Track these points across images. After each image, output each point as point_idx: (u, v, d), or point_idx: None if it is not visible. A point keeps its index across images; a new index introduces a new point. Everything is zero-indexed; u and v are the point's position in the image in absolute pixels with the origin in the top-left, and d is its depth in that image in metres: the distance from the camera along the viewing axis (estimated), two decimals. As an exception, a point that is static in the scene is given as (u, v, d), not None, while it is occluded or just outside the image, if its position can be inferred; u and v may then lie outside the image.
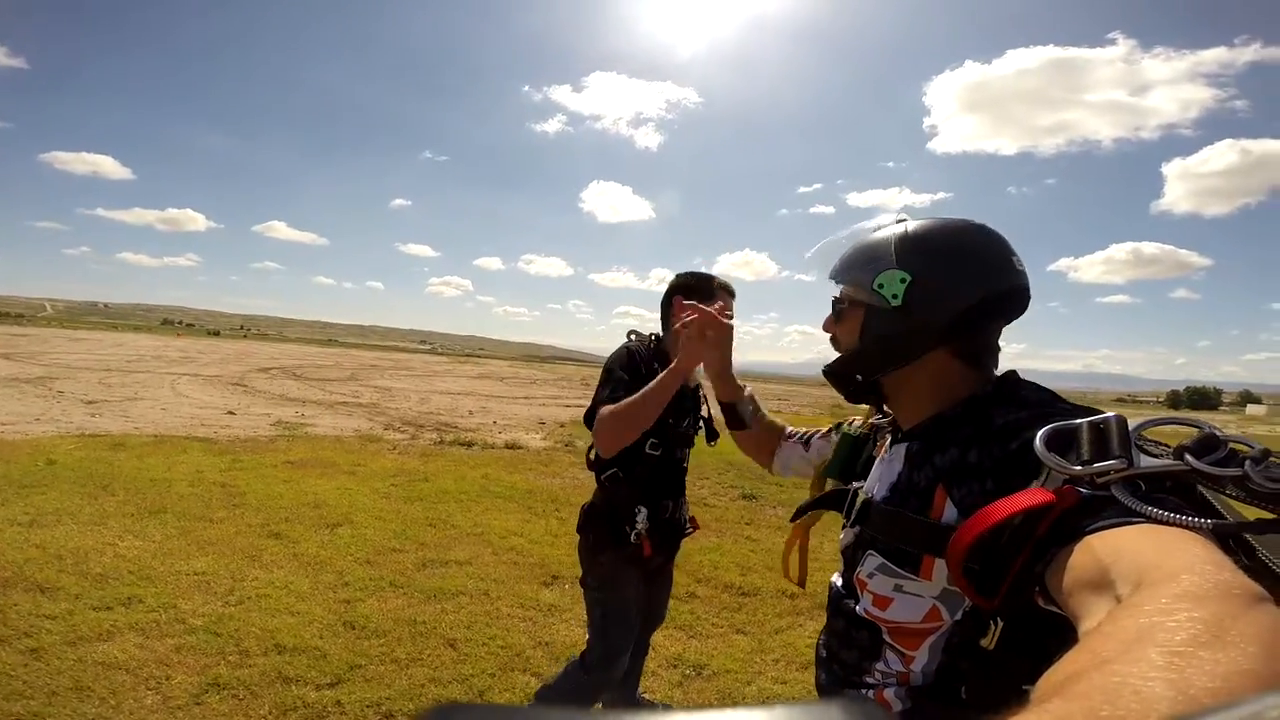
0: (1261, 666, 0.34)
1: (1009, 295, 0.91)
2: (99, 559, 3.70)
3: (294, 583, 3.58)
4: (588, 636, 2.10)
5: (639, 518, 1.98)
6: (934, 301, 0.89)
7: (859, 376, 0.99)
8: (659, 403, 1.85)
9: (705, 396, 2.20)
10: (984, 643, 0.78)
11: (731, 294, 2.02)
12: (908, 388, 0.96)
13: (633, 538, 1.98)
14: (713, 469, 7.50)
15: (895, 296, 0.90)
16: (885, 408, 1.06)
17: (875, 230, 0.98)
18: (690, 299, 1.91)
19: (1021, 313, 0.94)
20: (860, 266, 0.95)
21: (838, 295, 1.01)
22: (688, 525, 2.22)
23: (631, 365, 1.95)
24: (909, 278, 0.90)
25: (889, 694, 0.90)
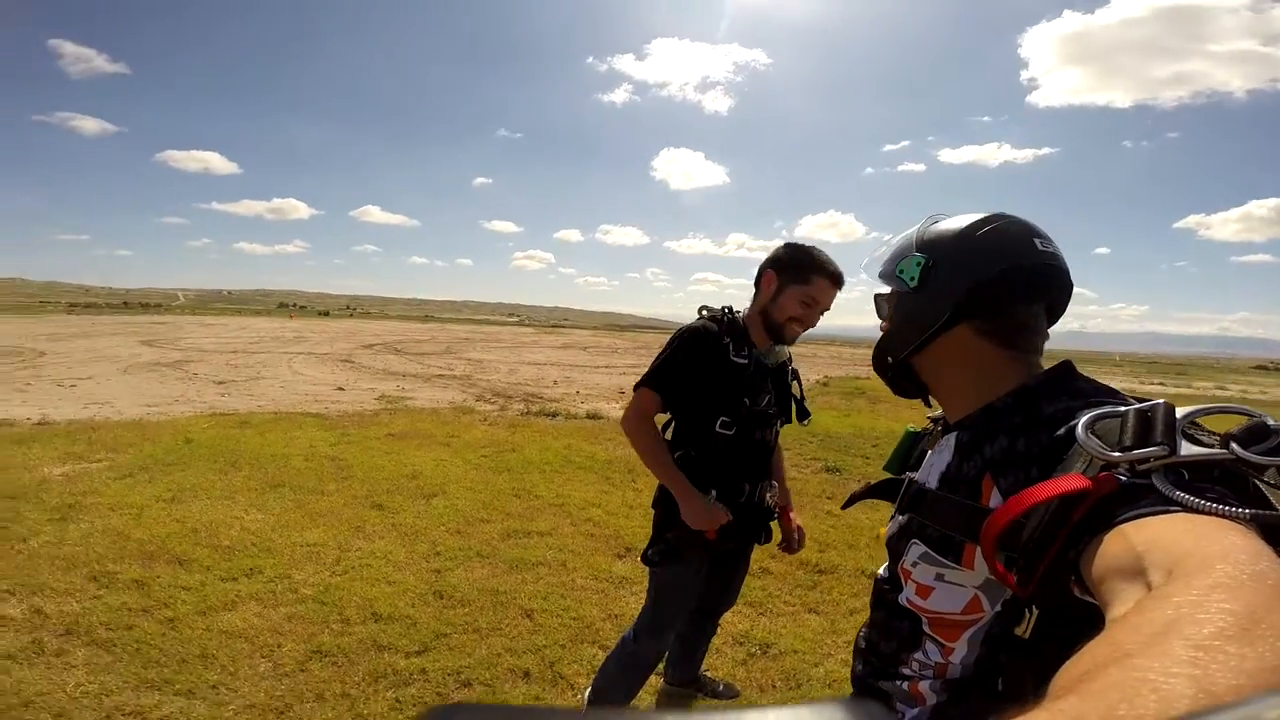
0: None
1: (1034, 272, 0.90)
2: (228, 532, 4.14)
3: (392, 552, 3.90)
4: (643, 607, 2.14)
5: (710, 500, 1.91)
6: (949, 277, 0.92)
7: (889, 358, 1.03)
8: (659, 477, 1.91)
9: (796, 371, 2.13)
10: (1019, 631, 0.77)
11: (834, 279, 1.92)
12: (943, 372, 0.98)
13: None
14: (794, 440, 7.40)
15: (913, 279, 0.95)
16: (930, 399, 1.06)
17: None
18: (785, 274, 1.91)
19: (1059, 295, 0.93)
20: (889, 260, 1.01)
21: (877, 293, 1.06)
22: (775, 511, 2.12)
23: (695, 351, 1.90)
24: (924, 259, 0.95)
25: (924, 686, 0.90)
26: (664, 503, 2.03)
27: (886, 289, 1.04)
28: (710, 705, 2.52)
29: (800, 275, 1.90)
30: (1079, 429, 0.66)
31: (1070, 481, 0.62)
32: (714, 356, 1.90)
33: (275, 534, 4.15)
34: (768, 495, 2.07)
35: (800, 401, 2.12)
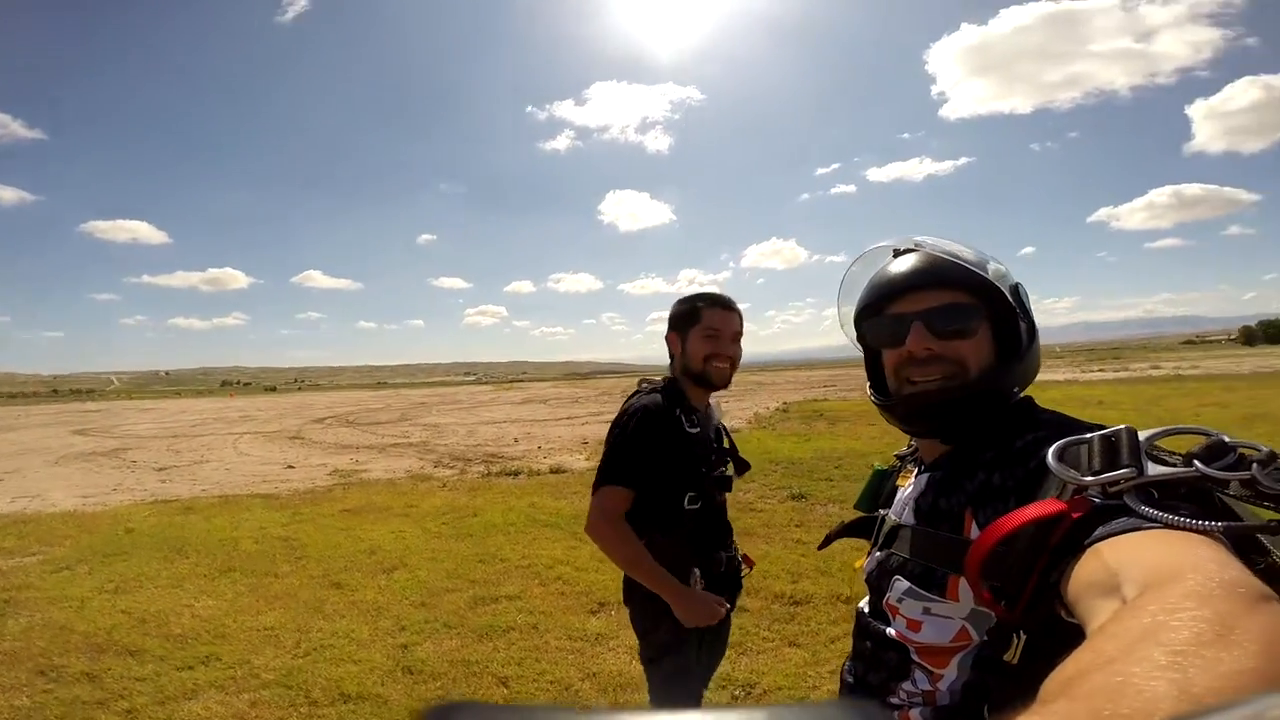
0: (1265, 665, 0.34)
1: None
2: (179, 620, 3.92)
3: (355, 631, 3.73)
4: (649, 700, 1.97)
5: (693, 580, 1.78)
6: (1028, 316, 0.94)
7: (1016, 389, 0.94)
8: (647, 583, 1.77)
9: (724, 428, 2.05)
10: (1007, 656, 0.78)
11: (721, 303, 1.89)
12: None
13: None
14: (758, 469, 7.45)
15: (1024, 300, 0.94)
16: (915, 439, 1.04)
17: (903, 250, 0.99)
18: (680, 326, 1.90)
19: None
20: (1001, 276, 0.93)
21: (963, 304, 0.91)
22: (742, 566, 2.03)
23: (652, 431, 1.78)
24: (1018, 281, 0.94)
25: (914, 714, 0.91)
26: (639, 599, 1.85)
27: (964, 299, 0.92)
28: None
29: (690, 319, 1.88)
30: (1049, 457, 0.69)
31: (1045, 506, 0.65)
32: (671, 432, 1.80)
33: (229, 619, 3.94)
34: (736, 555, 2.01)
35: (736, 455, 2.04)
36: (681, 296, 1.96)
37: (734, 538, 2.03)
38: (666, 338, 1.96)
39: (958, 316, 0.91)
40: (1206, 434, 0.65)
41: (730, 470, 2.00)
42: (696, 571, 1.80)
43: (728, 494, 2.01)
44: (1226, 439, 0.63)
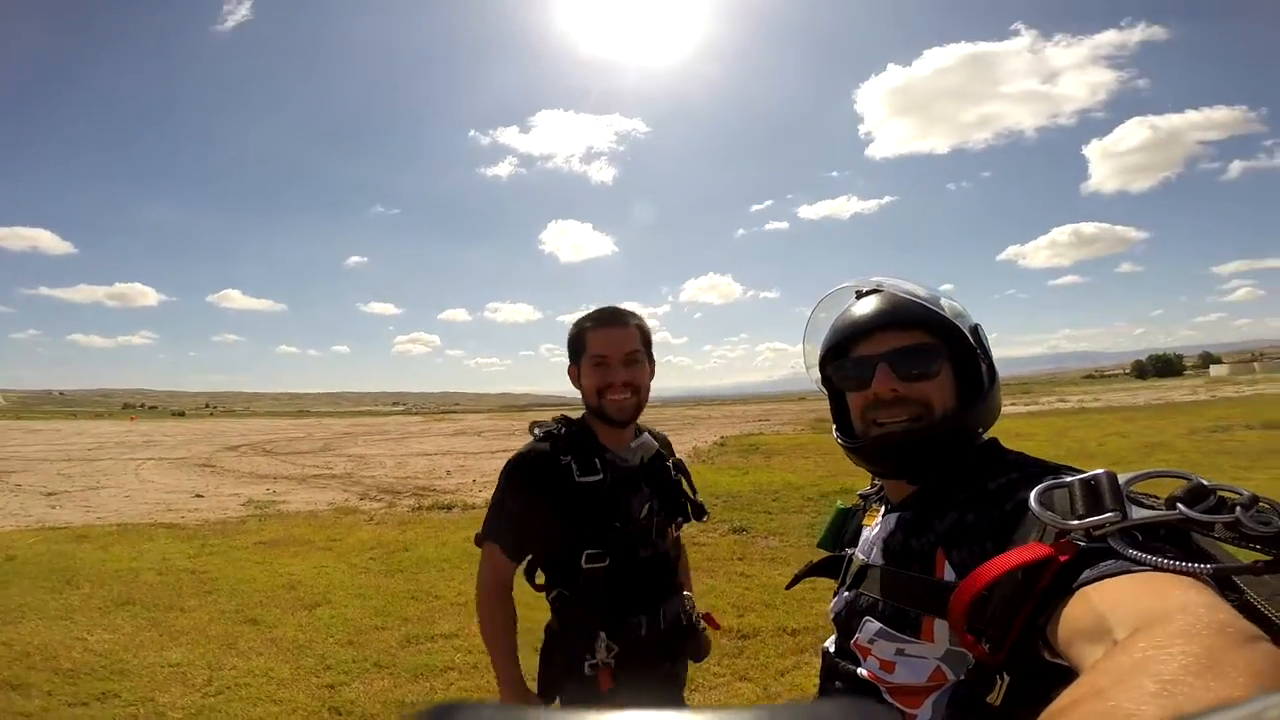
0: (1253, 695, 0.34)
1: None
2: (68, 654, 3.55)
3: (274, 669, 3.44)
4: None
5: (599, 646, 1.52)
6: (988, 359, 0.95)
7: (981, 430, 0.95)
8: (492, 663, 1.60)
9: (681, 464, 1.77)
10: (990, 698, 0.77)
11: (603, 321, 1.62)
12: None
13: (587, 669, 1.52)
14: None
15: (981, 347, 0.94)
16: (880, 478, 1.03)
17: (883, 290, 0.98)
18: (573, 358, 1.66)
19: None
20: (958, 315, 0.94)
21: (925, 346, 0.92)
22: (699, 623, 1.72)
23: (529, 483, 1.57)
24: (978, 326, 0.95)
25: None
26: (546, 655, 1.64)
27: (926, 341, 0.93)
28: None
29: (577, 346, 1.63)
30: (1031, 501, 0.69)
31: (1031, 550, 0.65)
32: (554, 483, 1.54)
33: (129, 654, 3.58)
34: (683, 612, 1.69)
35: (694, 500, 1.75)
36: (573, 326, 1.67)
37: (684, 593, 1.73)
38: (568, 371, 1.69)
39: (921, 358, 0.91)
40: (1186, 477, 0.66)
41: (662, 515, 1.65)
42: (603, 637, 1.52)
43: (672, 538, 1.70)
44: (1206, 482, 0.65)
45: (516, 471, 1.58)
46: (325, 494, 10.67)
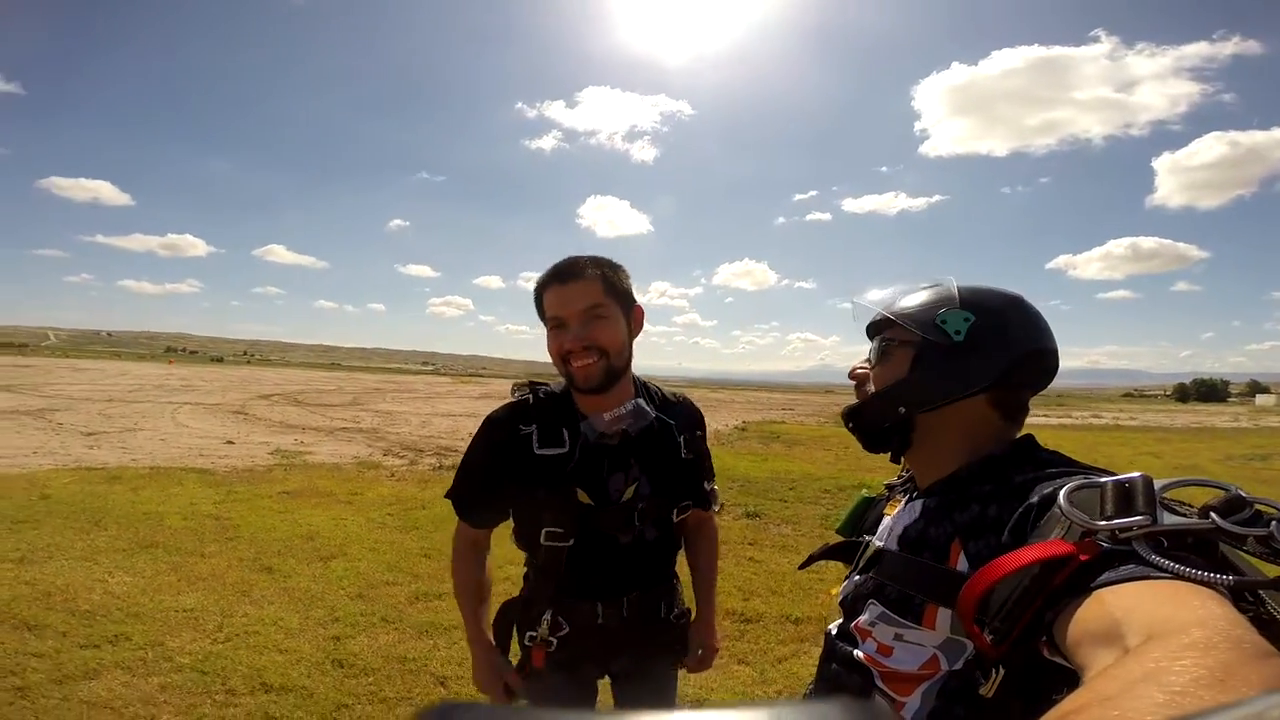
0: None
1: (1049, 358, 0.95)
2: (88, 596, 3.66)
3: (284, 619, 3.52)
4: None
5: (543, 624, 1.43)
6: (993, 343, 0.91)
7: (902, 409, 0.95)
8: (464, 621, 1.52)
9: (693, 443, 1.55)
10: (983, 690, 0.77)
11: (558, 277, 1.39)
12: (939, 434, 0.96)
13: (526, 640, 1.46)
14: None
15: (958, 332, 0.92)
16: (903, 458, 1.03)
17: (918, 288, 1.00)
18: (542, 320, 1.45)
19: (1048, 383, 0.97)
20: (922, 306, 0.96)
21: (885, 336, 1.00)
22: (676, 616, 1.56)
23: (491, 448, 1.44)
24: (972, 317, 0.92)
25: None
26: (501, 617, 1.56)
27: (890, 332, 0.99)
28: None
29: (539, 308, 1.44)
30: (1060, 498, 0.67)
31: (1055, 546, 0.64)
32: (513, 453, 1.41)
33: (145, 598, 3.69)
34: (662, 608, 1.53)
35: (702, 487, 1.57)
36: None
37: (670, 584, 1.57)
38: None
39: (883, 350, 1.01)
40: (1224, 488, 0.64)
41: (648, 498, 1.46)
42: (548, 617, 1.43)
43: (666, 521, 1.51)
44: (1244, 494, 0.62)
45: (483, 434, 1.45)
46: (350, 447, 10.91)
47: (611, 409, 1.42)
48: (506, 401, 1.48)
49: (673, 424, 1.53)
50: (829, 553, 1.13)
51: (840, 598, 1.02)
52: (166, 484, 6.91)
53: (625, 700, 1.61)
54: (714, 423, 18.94)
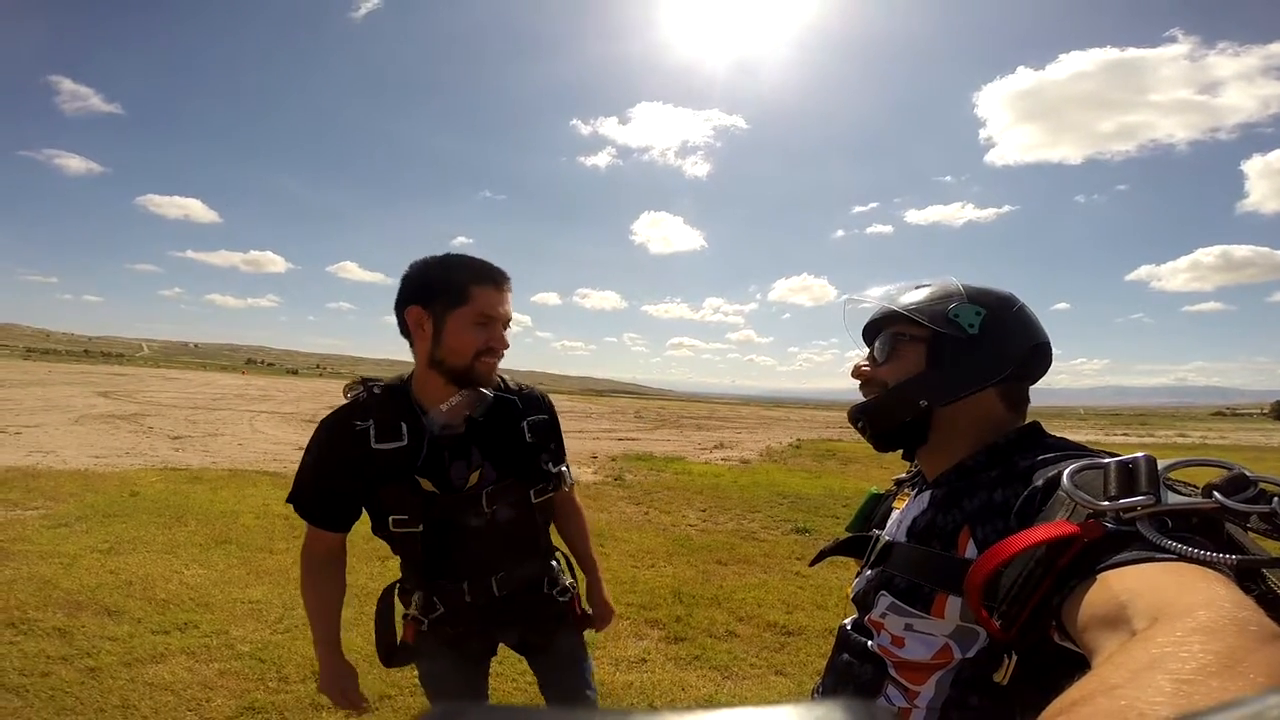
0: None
1: (1049, 351, 0.97)
2: (165, 585, 3.93)
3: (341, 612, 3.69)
4: None
5: (413, 605, 1.56)
6: (1005, 335, 0.94)
7: (923, 403, 0.94)
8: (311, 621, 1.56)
9: (537, 426, 1.57)
10: (997, 677, 0.77)
11: (496, 281, 1.43)
12: (952, 427, 0.96)
13: (403, 617, 1.60)
14: (764, 501, 7.31)
15: (972, 325, 0.93)
16: (915, 454, 1.03)
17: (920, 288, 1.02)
18: (437, 304, 1.40)
19: (1043, 376, 1.00)
20: (931, 300, 0.96)
21: (894, 332, 1.00)
22: (560, 591, 1.63)
23: (330, 448, 1.45)
24: (983, 311, 0.94)
25: None
26: (381, 599, 1.65)
27: (898, 327, 0.99)
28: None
29: (453, 296, 1.40)
30: (1064, 479, 0.67)
31: (1059, 527, 0.64)
32: (349, 449, 1.43)
33: (216, 590, 3.94)
34: (545, 584, 1.61)
35: (545, 468, 1.57)
36: (428, 259, 1.44)
37: (543, 561, 1.62)
38: (404, 313, 1.43)
39: (892, 345, 1.01)
40: (1227, 466, 0.65)
41: (495, 481, 1.49)
42: (418, 597, 1.52)
43: (525, 502, 1.54)
44: (1248, 473, 0.63)
45: (320, 435, 1.47)
46: (410, 455, 11.29)
47: (448, 399, 1.46)
48: (340, 411, 1.48)
49: (515, 401, 1.56)
50: (839, 548, 1.13)
51: (853, 593, 1.02)
52: (243, 485, 7.34)
53: (539, 669, 1.72)
54: (768, 439, 18.67)
